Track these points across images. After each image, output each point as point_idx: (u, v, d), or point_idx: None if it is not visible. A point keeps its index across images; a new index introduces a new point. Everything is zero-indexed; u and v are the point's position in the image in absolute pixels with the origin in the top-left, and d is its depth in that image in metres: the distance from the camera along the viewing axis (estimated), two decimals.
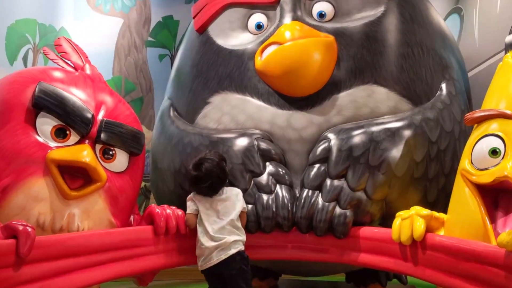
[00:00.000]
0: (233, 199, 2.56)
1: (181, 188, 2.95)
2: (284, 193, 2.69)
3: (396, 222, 2.36)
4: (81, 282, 2.08)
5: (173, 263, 2.54)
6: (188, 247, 2.56)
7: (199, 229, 2.47)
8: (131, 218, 2.66)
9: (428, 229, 2.27)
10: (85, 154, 2.25)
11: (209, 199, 2.52)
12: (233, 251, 2.44)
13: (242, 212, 2.57)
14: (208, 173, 2.50)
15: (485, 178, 2.07)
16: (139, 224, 2.57)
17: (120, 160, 2.48)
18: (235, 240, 2.46)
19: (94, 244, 2.16)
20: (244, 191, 2.71)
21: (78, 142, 2.34)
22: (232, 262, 2.43)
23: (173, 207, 2.57)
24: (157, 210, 2.47)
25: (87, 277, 2.11)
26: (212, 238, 2.43)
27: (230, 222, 2.49)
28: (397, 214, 2.38)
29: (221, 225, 2.46)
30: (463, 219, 2.18)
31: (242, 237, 2.51)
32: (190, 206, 2.54)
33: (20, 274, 1.83)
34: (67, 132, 2.33)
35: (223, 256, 2.41)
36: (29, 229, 1.82)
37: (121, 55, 6.78)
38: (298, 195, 2.71)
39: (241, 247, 2.48)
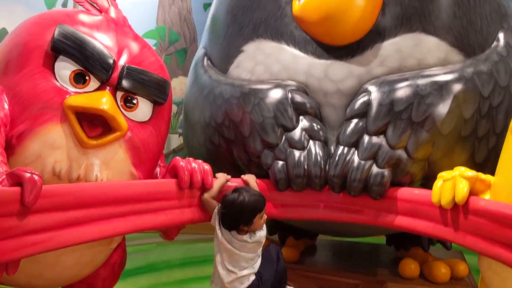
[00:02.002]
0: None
1: (210, 142, 2.88)
2: (318, 150, 2.58)
3: (437, 183, 2.23)
4: (95, 233, 2.05)
5: (198, 218, 2.49)
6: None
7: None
8: (157, 170, 2.60)
9: (473, 192, 2.13)
10: (104, 101, 2.18)
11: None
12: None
13: None
14: (229, 204, 2.38)
15: None
16: (164, 177, 2.51)
17: (143, 109, 2.41)
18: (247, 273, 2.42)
19: (110, 196, 2.11)
20: (275, 147, 2.61)
21: (98, 89, 2.28)
22: None
23: (200, 161, 2.49)
24: (181, 163, 2.41)
25: (102, 229, 2.08)
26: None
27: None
28: (439, 175, 2.24)
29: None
30: None
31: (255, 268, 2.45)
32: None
33: (26, 223, 1.80)
34: (87, 78, 2.26)
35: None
36: (36, 177, 1.78)
37: (165, 4, 6.72)
38: (332, 152, 2.58)
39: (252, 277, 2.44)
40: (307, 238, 3.75)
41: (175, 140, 6.54)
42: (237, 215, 2.35)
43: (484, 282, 2.33)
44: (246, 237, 2.38)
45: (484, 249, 2.03)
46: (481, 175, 2.15)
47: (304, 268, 3.22)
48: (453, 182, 2.13)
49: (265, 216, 2.44)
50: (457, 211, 2.15)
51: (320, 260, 3.69)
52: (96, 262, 2.43)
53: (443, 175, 2.21)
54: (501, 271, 2.04)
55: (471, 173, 2.12)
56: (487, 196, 2.14)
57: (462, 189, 2.09)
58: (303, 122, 2.63)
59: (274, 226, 3.75)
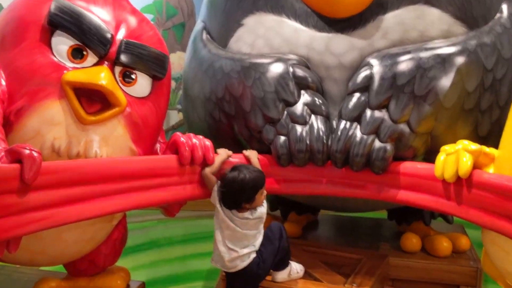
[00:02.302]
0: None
1: (211, 117, 2.86)
2: (320, 125, 2.56)
3: (440, 157, 2.21)
4: (96, 210, 2.03)
5: (199, 194, 2.47)
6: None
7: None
8: (157, 146, 2.58)
9: (476, 166, 2.12)
10: (102, 77, 2.15)
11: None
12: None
13: None
14: (229, 183, 2.37)
15: None
16: (164, 153, 2.50)
17: (142, 84, 2.37)
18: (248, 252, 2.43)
19: (111, 172, 2.09)
20: (277, 122, 2.59)
21: (96, 64, 2.24)
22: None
23: (201, 137, 2.47)
24: (182, 139, 2.38)
25: (103, 206, 2.06)
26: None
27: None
28: (442, 148, 2.22)
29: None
30: None
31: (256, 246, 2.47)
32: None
33: (26, 200, 1.79)
34: (84, 53, 2.22)
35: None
36: (35, 154, 1.76)
37: None
38: (335, 127, 2.57)
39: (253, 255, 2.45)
40: (309, 213, 3.75)
41: (174, 116, 6.50)
42: (238, 194, 2.34)
43: (487, 255, 2.34)
44: (247, 214, 2.37)
45: (488, 223, 2.02)
46: (485, 149, 2.13)
47: (306, 243, 3.23)
48: (457, 156, 2.12)
49: (265, 192, 2.44)
50: (461, 185, 2.14)
51: (322, 235, 3.70)
52: (97, 239, 2.43)
53: (446, 148, 2.19)
54: (505, 244, 2.04)
55: (474, 146, 2.10)
56: (490, 169, 2.12)
57: (466, 162, 2.07)
58: (305, 97, 2.60)
59: (276, 201, 3.75)
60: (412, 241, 3.22)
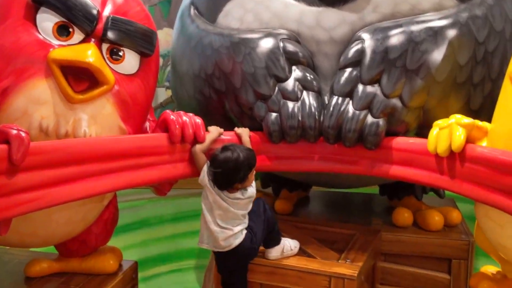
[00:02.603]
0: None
1: (201, 94, 2.83)
2: (311, 101, 2.54)
3: (433, 131, 2.21)
4: (86, 191, 2.02)
5: (190, 173, 2.46)
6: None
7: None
8: (147, 124, 2.55)
9: (469, 140, 2.12)
10: (89, 54, 2.11)
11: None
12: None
13: None
14: (223, 162, 2.32)
15: None
16: (154, 131, 2.47)
17: (130, 61, 2.34)
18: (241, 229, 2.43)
19: (101, 151, 2.07)
20: (268, 98, 2.57)
21: (82, 41, 2.20)
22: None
23: (191, 114, 2.44)
24: (172, 116, 2.36)
25: (93, 186, 2.05)
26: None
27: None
28: (435, 123, 2.21)
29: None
30: (509, 129, 1.98)
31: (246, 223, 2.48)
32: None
33: (15, 181, 1.77)
34: (70, 30, 2.18)
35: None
36: (23, 134, 1.73)
37: None
38: (326, 103, 2.55)
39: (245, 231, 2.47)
40: (301, 190, 3.75)
41: (162, 94, 6.45)
42: (232, 174, 2.31)
43: (480, 229, 2.35)
44: (238, 194, 2.37)
45: (481, 196, 2.03)
46: (478, 122, 2.12)
47: (298, 220, 3.23)
48: (450, 130, 2.11)
49: (254, 171, 2.42)
50: (454, 159, 2.14)
51: (314, 211, 3.70)
52: (88, 220, 2.42)
53: (439, 123, 2.19)
54: (498, 218, 2.05)
55: (467, 120, 2.10)
56: (483, 143, 2.12)
57: (459, 136, 2.07)
58: (296, 72, 2.58)
59: (267, 179, 3.74)
60: (404, 215, 3.23)
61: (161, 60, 6.07)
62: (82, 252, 2.56)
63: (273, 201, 3.51)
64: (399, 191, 3.44)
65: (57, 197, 1.91)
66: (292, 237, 2.77)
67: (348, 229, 3.03)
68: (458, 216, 3.26)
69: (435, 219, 3.17)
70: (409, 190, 3.39)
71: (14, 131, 1.71)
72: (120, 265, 2.67)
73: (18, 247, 2.62)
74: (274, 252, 2.57)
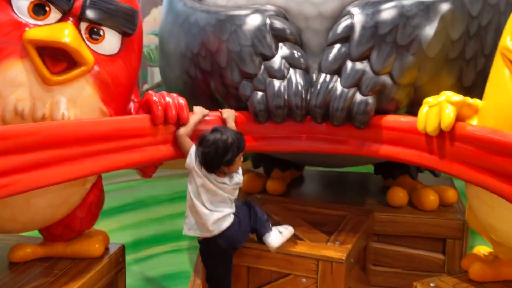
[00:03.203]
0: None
1: (187, 74, 2.77)
2: (298, 79, 2.48)
3: (423, 109, 2.16)
4: (62, 175, 1.98)
5: (174, 155, 2.41)
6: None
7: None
8: (131, 106, 2.50)
9: (460, 118, 2.07)
10: (66, 34, 2.04)
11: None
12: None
13: None
14: (212, 143, 2.28)
15: None
16: (137, 112, 2.42)
17: (110, 41, 2.27)
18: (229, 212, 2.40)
19: (78, 134, 2.02)
20: (254, 77, 2.51)
21: (60, 20, 2.13)
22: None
23: (174, 95, 2.38)
24: (154, 98, 2.30)
25: (70, 171, 2.00)
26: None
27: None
28: (425, 100, 2.16)
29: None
30: (500, 107, 1.94)
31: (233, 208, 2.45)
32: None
33: None
34: (47, 9, 2.11)
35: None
36: None
37: None
38: (315, 81, 2.48)
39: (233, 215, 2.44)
40: (294, 169, 3.71)
41: (158, 74, 6.39)
42: (220, 155, 2.27)
43: (471, 210, 2.30)
44: (226, 179, 2.33)
45: (471, 177, 1.98)
46: (468, 100, 2.07)
47: (289, 201, 3.19)
48: (439, 108, 2.06)
49: (241, 156, 2.38)
50: (443, 138, 2.09)
51: (307, 191, 3.67)
52: (70, 203, 2.37)
53: (429, 100, 2.13)
54: (488, 199, 2.00)
55: (457, 97, 2.04)
56: (474, 121, 2.07)
57: (448, 114, 2.02)
58: (283, 50, 2.51)
59: (258, 158, 3.70)
60: (398, 195, 3.19)
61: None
62: (66, 236, 2.53)
63: (264, 181, 3.47)
64: (394, 170, 3.40)
65: (31, 182, 1.87)
66: (282, 219, 2.73)
67: (340, 210, 2.99)
68: (454, 195, 3.22)
69: (430, 198, 3.13)
70: (404, 169, 3.35)
71: None
72: (107, 249, 2.64)
73: None
74: (274, 237, 2.46)
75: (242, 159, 2.39)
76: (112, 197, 5.26)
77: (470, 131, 1.96)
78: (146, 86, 6.35)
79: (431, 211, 3.12)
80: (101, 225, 4.33)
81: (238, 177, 2.38)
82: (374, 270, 3.09)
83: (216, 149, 2.26)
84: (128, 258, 3.68)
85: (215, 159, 2.28)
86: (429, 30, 2.35)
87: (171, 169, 6.19)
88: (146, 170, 2.52)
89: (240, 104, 2.60)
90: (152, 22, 5.97)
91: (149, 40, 5.89)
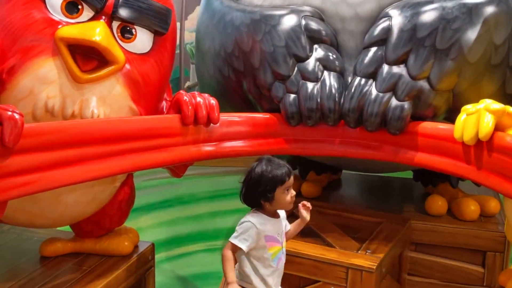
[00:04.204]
0: None
1: (220, 73, 2.76)
2: (332, 81, 2.42)
3: (461, 117, 2.06)
4: (87, 173, 1.97)
5: (205, 155, 2.39)
6: (221, 137, 2.40)
7: None
8: (163, 104, 2.49)
9: (500, 127, 1.95)
10: (97, 32, 2.06)
11: None
12: None
13: None
14: (247, 173, 2.12)
15: None
16: (167, 112, 2.41)
17: (142, 40, 2.27)
18: None
19: (106, 133, 2.02)
20: (287, 78, 2.47)
21: (92, 19, 2.14)
22: None
23: (206, 95, 2.36)
24: (185, 97, 2.28)
25: (98, 168, 2.00)
26: None
27: None
28: (463, 108, 2.06)
29: None
30: None
31: None
32: None
33: (9, 164, 1.73)
34: (80, 7, 2.13)
35: None
36: (17, 116, 1.70)
37: None
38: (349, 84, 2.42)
39: None
40: (330, 172, 3.64)
41: None
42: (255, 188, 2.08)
43: (509, 223, 2.20)
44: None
45: (507, 190, 1.88)
46: (509, 108, 1.96)
47: (323, 205, 3.13)
48: (478, 116, 1.96)
49: (292, 192, 2.11)
50: (481, 148, 1.99)
51: (343, 196, 3.60)
52: (99, 201, 2.39)
53: (467, 108, 2.03)
54: None
55: (497, 106, 1.94)
56: None
57: (487, 124, 1.91)
58: (318, 51, 2.47)
59: (294, 160, 3.64)
60: (437, 203, 3.09)
61: None
62: (96, 233, 2.55)
63: (300, 183, 3.42)
64: (433, 177, 3.28)
65: (55, 180, 1.87)
66: (314, 223, 2.68)
67: (375, 217, 2.92)
68: (496, 205, 3.08)
69: (471, 208, 3.01)
70: (444, 176, 3.23)
71: (8, 113, 1.68)
72: (136, 247, 2.65)
73: (28, 227, 2.63)
74: None
75: (292, 193, 2.11)
76: (152, 193, 5.36)
77: (509, 142, 1.86)
78: (188, 83, 6.40)
79: (471, 221, 2.99)
80: (138, 220, 4.42)
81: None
82: (410, 280, 2.99)
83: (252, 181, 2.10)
84: (161, 255, 3.74)
85: (251, 192, 2.11)
86: (471, 34, 2.25)
87: (212, 167, 6.26)
88: (177, 170, 2.51)
89: (272, 106, 2.56)
90: (195, 20, 5.99)
91: (192, 38, 5.91)
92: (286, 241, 2.21)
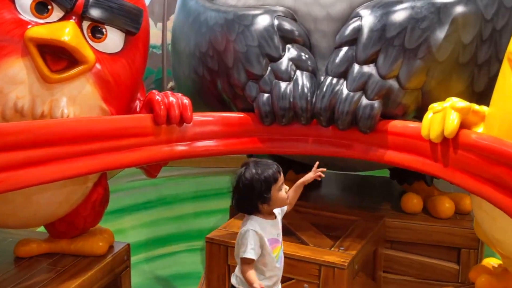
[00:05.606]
0: None
1: (195, 73, 2.76)
2: (305, 81, 2.44)
3: (428, 115, 2.08)
4: (57, 173, 1.98)
5: (178, 155, 2.40)
6: (195, 137, 2.41)
7: None
8: (136, 104, 2.50)
9: (466, 125, 1.98)
10: (66, 32, 2.05)
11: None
12: None
13: None
14: (236, 180, 2.03)
15: None
16: (140, 112, 2.41)
17: (113, 39, 2.27)
18: None
19: (75, 133, 2.03)
20: (260, 78, 2.48)
21: (62, 19, 2.14)
22: None
23: (179, 94, 2.36)
24: (157, 97, 2.29)
25: (68, 168, 2.01)
26: None
27: None
28: (430, 106, 2.09)
29: None
30: (505, 115, 1.85)
31: None
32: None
33: None
34: (49, 7, 2.12)
35: None
36: None
37: None
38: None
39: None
40: (308, 171, 3.64)
41: None
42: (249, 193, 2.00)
43: (477, 222, 2.23)
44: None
45: (472, 187, 1.91)
46: (474, 106, 1.98)
47: (300, 204, 3.11)
48: (444, 114, 1.98)
49: (285, 187, 2.08)
50: (447, 146, 2.02)
51: (321, 195, 3.62)
52: (71, 201, 2.39)
53: (434, 106, 2.06)
54: (490, 210, 1.92)
55: (463, 104, 1.96)
56: (480, 128, 1.99)
57: (452, 121, 1.94)
58: (290, 51, 2.48)
59: (272, 160, 3.65)
60: (412, 201, 3.12)
61: None
62: (70, 233, 2.55)
63: None
64: (409, 175, 3.31)
65: (22, 180, 1.87)
66: (290, 222, 2.69)
67: (350, 215, 2.94)
68: (471, 203, 3.11)
69: (446, 206, 3.04)
70: (419, 174, 3.26)
71: None
72: (111, 247, 2.65)
73: (2, 228, 2.62)
74: None
75: (286, 188, 2.08)
76: (135, 194, 5.36)
77: (473, 139, 1.88)
78: (171, 84, 6.38)
79: (446, 219, 3.02)
80: (121, 221, 4.41)
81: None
82: (386, 277, 3.02)
83: (240, 187, 2.02)
84: (140, 256, 3.74)
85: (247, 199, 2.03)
86: (439, 33, 2.28)
87: (195, 168, 6.27)
88: (151, 170, 2.52)
89: (246, 105, 2.58)
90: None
91: None
92: (289, 209, 2.20)
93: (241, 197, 2.03)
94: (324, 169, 2.18)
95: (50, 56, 2.08)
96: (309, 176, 2.20)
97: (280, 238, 2.10)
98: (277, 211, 2.13)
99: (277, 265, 2.07)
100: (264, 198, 1.99)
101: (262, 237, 2.00)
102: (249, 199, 2.01)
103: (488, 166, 1.78)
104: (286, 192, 2.08)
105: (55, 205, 2.32)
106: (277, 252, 2.07)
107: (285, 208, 2.17)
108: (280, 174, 2.05)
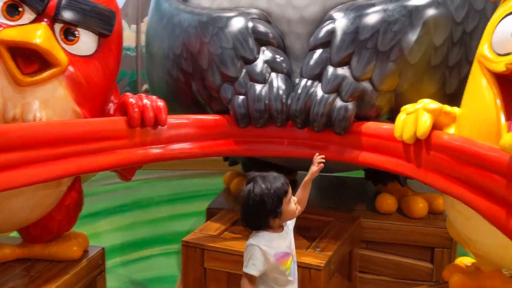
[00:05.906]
0: None
1: (169, 75, 2.75)
2: (280, 83, 2.45)
3: (400, 117, 2.11)
4: (33, 177, 1.95)
5: (153, 158, 2.38)
6: (170, 139, 2.41)
7: None
8: (110, 106, 2.48)
9: (438, 126, 2.01)
10: (38, 34, 2.04)
11: None
12: None
13: None
14: (245, 197, 1.96)
15: (502, 66, 1.73)
16: (114, 114, 2.40)
17: (86, 42, 2.25)
18: None
19: (47, 136, 2.00)
20: (235, 80, 2.48)
21: (34, 21, 2.12)
22: None
23: (154, 97, 2.36)
24: (131, 99, 2.28)
25: (41, 172, 1.98)
26: None
27: None
28: (403, 107, 2.12)
29: None
30: (476, 115, 1.87)
31: None
32: None
33: None
34: (20, 9, 2.10)
35: None
36: None
37: None
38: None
39: None
40: (285, 173, 3.66)
41: None
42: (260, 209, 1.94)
43: (450, 221, 2.26)
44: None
45: (444, 187, 1.93)
46: (446, 107, 2.01)
47: None
48: (416, 115, 2.01)
49: (294, 198, 2.03)
50: (420, 146, 2.04)
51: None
52: (45, 205, 2.36)
53: (406, 107, 2.09)
54: (463, 209, 1.94)
55: (434, 105, 1.99)
56: (452, 129, 2.02)
57: (425, 122, 1.97)
58: (265, 54, 2.49)
59: (249, 162, 3.66)
60: (387, 202, 3.16)
61: None
62: (44, 238, 2.52)
63: None
64: (383, 176, 3.34)
65: None
66: None
67: (326, 216, 2.95)
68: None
69: (419, 206, 3.08)
70: (393, 175, 3.28)
71: None
72: (86, 251, 2.62)
73: None
74: None
75: (294, 200, 2.03)
76: (110, 198, 5.32)
77: (444, 140, 1.91)
78: (145, 86, 6.35)
79: (420, 219, 3.06)
80: (95, 225, 4.36)
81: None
82: (362, 277, 3.04)
83: (250, 205, 1.95)
84: (116, 260, 3.71)
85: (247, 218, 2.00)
86: (411, 36, 2.31)
87: (171, 170, 6.24)
88: (125, 173, 2.51)
89: (222, 107, 2.58)
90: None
91: None
92: (301, 210, 2.12)
93: (251, 214, 1.98)
94: (323, 155, 2.12)
95: (21, 59, 2.06)
96: (313, 170, 2.13)
97: (291, 250, 2.03)
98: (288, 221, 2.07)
99: (290, 278, 2.02)
100: (276, 213, 1.94)
101: (266, 253, 1.94)
102: (260, 215, 1.95)
103: (460, 166, 1.81)
104: (295, 204, 2.03)
105: (27, 210, 2.30)
106: (288, 265, 2.01)
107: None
108: (289, 186, 2.00)
